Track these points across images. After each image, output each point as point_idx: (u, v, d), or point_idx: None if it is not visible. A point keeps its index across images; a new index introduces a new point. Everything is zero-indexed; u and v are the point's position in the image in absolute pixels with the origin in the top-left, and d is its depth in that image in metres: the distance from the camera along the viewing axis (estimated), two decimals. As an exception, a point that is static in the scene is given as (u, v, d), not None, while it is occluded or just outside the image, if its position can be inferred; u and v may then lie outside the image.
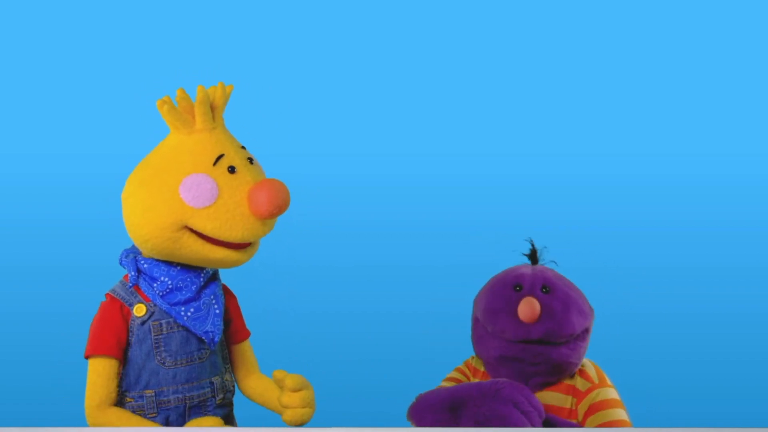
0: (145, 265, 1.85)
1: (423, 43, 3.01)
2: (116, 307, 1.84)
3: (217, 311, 1.87)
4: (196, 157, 1.81)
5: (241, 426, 1.92)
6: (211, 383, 1.88)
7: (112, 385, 1.83)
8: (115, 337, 1.83)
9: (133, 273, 1.85)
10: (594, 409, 1.93)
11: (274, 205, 1.79)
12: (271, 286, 2.74)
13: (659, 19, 3.00)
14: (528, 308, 1.91)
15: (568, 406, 1.95)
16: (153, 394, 1.85)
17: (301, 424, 1.87)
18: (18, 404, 2.64)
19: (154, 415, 1.85)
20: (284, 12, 3.00)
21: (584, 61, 3.01)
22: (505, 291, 1.97)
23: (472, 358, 2.06)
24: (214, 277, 1.90)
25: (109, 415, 1.83)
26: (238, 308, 1.96)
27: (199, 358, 1.87)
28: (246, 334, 1.96)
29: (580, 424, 1.93)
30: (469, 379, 2.03)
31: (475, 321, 2.00)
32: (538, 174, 2.97)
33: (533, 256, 2.04)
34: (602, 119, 3.00)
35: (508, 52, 3.01)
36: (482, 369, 2.02)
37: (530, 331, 1.91)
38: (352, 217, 2.89)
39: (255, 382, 1.94)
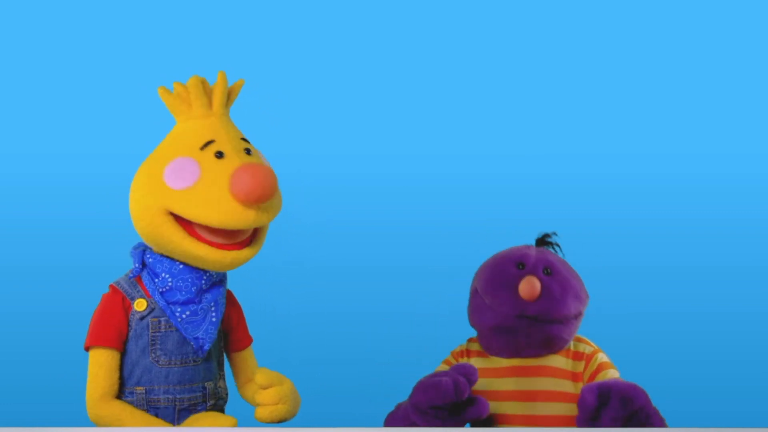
0: (150, 260, 1.84)
1: (423, 43, 3.01)
2: (118, 300, 1.84)
3: (214, 319, 1.85)
4: (184, 142, 1.81)
5: (241, 426, 1.92)
6: (204, 388, 1.87)
7: (115, 377, 1.82)
8: (117, 329, 1.83)
9: (137, 264, 1.85)
10: (600, 369, 2.01)
11: (258, 187, 1.72)
12: (271, 286, 2.74)
13: (659, 19, 3.00)
14: (529, 286, 1.97)
15: (570, 369, 2.02)
16: (144, 391, 1.83)
17: (276, 422, 1.84)
18: (18, 404, 2.64)
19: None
20: (285, 12, 3.01)
21: (584, 61, 3.01)
22: (507, 267, 2.03)
23: (459, 346, 2.11)
24: (219, 282, 1.88)
25: (112, 408, 1.81)
26: (242, 316, 1.95)
27: (194, 361, 1.85)
28: (248, 342, 1.96)
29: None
30: None
31: (474, 292, 2.06)
32: (538, 174, 2.97)
33: (541, 240, 2.10)
34: (602, 119, 3.00)
35: (508, 53, 3.01)
36: (475, 348, 2.08)
37: (527, 307, 1.98)
38: (352, 216, 2.89)
39: (255, 388, 1.91)
